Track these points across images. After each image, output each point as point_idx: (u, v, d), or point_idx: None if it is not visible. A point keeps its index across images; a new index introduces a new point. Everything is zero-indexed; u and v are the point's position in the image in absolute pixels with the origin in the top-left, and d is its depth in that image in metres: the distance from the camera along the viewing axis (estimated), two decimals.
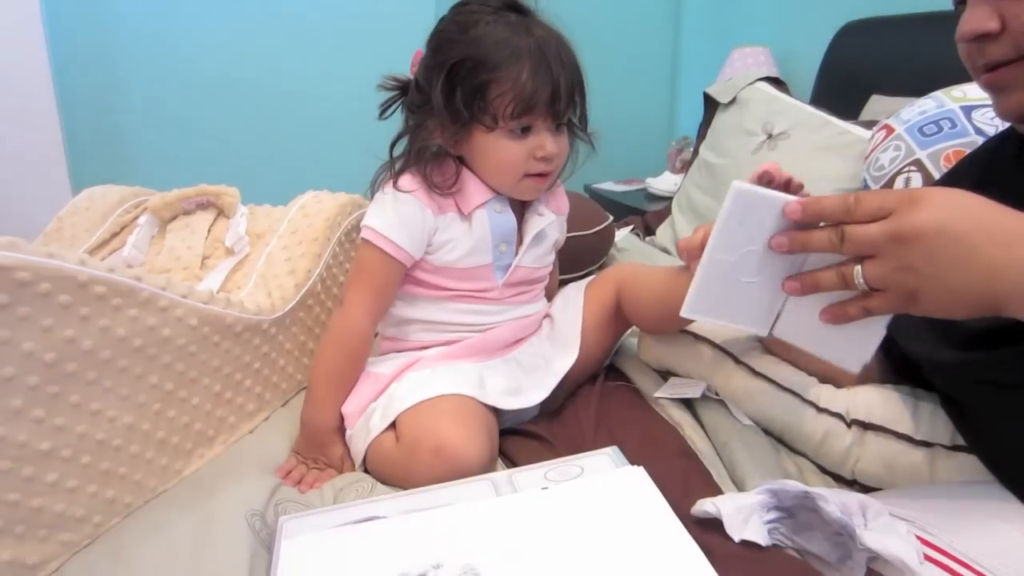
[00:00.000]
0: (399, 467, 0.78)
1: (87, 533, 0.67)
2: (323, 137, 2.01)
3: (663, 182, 2.44)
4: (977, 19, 0.59)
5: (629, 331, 1.04)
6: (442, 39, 0.87)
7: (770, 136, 1.52)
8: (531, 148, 0.85)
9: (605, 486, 0.67)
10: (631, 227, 1.76)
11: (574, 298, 0.96)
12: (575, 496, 0.67)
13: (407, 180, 0.88)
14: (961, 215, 0.51)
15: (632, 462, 0.71)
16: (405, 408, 0.80)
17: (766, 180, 0.73)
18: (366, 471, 0.84)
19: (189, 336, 0.77)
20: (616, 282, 0.94)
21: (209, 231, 1.12)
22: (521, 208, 0.94)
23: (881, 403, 0.78)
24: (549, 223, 0.94)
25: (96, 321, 0.67)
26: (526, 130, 0.85)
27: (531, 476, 0.72)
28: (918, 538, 0.58)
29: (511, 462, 0.82)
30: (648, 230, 1.80)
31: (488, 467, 0.78)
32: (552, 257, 1.00)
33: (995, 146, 0.75)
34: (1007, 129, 0.74)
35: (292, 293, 0.96)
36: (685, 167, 2.19)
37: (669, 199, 1.96)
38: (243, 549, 0.63)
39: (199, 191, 1.14)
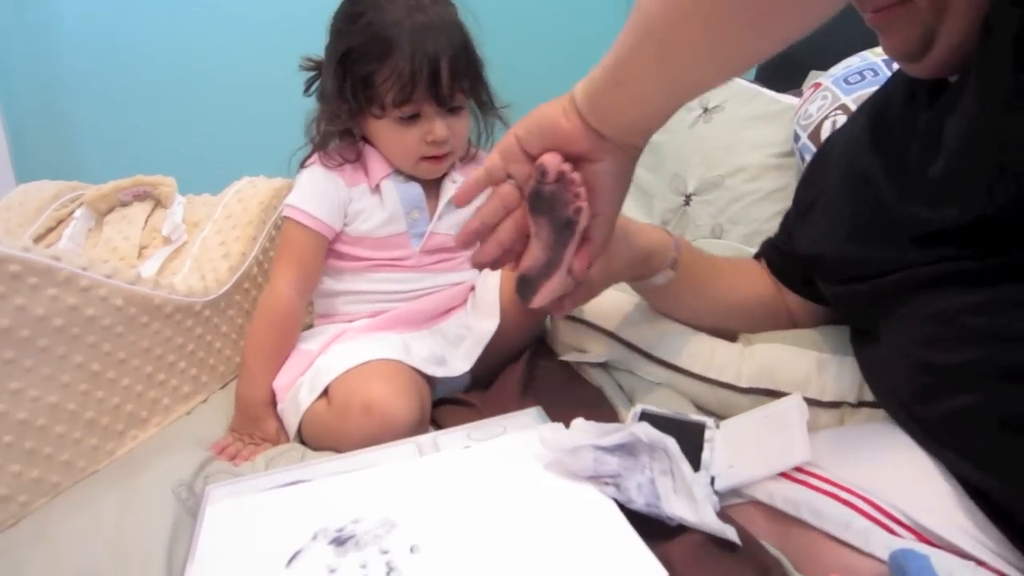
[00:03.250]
0: (331, 430, 0.80)
1: (12, 512, 0.68)
2: (264, 125, 2.01)
3: None
4: None
5: None
6: (334, 28, 0.91)
7: (706, 110, 1.55)
8: (421, 134, 0.88)
9: (525, 443, 0.69)
10: None
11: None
12: (496, 453, 0.69)
13: (318, 158, 0.93)
14: None
15: (556, 422, 0.72)
16: (332, 379, 0.81)
17: (540, 173, 0.60)
18: (302, 443, 0.85)
19: (115, 316, 0.78)
20: None
21: (147, 222, 1.12)
22: (437, 179, 0.97)
23: (783, 363, 0.80)
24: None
25: (11, 300, 0.67)
26: (415, 116, 0.88)
27: (455, 437, 0.74)
28: (811, 473, 0.62)
29: (438, 427, 0.84)
30: None
31: (419, 425, 0.80)
32: None
33: (889, 89, 0.76)
34: (899, 72, 0.76)
35: (227, 276, 0.97)
36: None
37: None
38: (167, 517, 0.64)
39: (135, 182, 1.14)
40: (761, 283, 0.90)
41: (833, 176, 0.78)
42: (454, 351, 0.91)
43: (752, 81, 1.66)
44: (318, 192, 0.90)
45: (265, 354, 0.88)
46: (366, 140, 0.94)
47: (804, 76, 1.93)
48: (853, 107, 1.16)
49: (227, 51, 2.14)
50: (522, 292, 0.65)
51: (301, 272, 0.90)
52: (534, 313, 0.95)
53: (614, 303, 0.92)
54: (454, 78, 0.87)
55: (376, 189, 0.92)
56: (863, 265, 0.69)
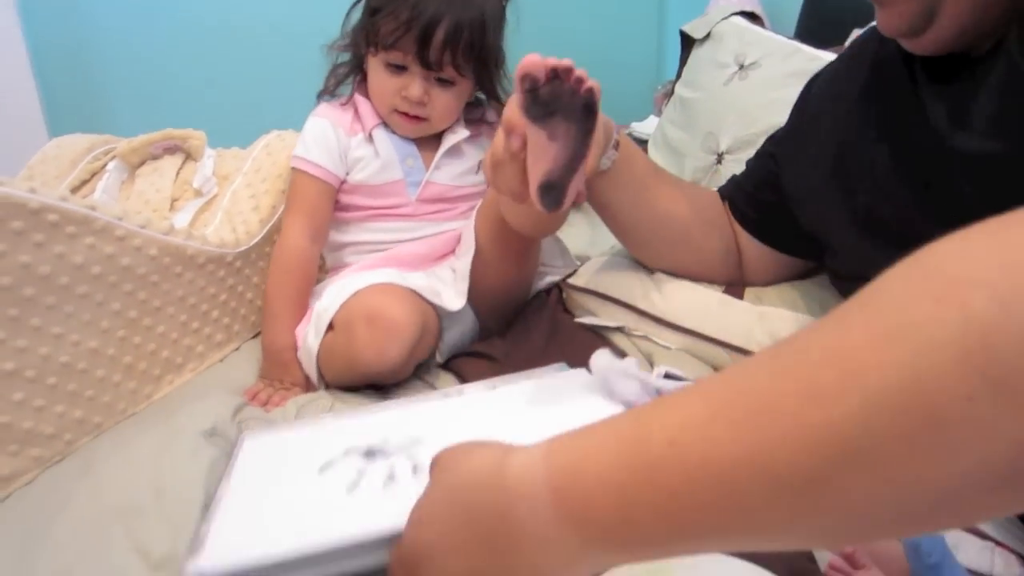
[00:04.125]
0: (343, 354, 0.82)
1: (58, 450, 0.71)
2: (292, 79, 2.01)
3: (648, 126, 2.43)
4: None
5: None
6: None
7: (742, 67, 1.52)
8: (399, 86, 0.90)
9: (552, 383, 0.70)
10: None
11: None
12: (522, 391, 0.70)
13: (321, 107, 0.97)
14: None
15: None
16: (332, 315, 0.84)
17: (528, 84, 0.58)
18: (327, 387, 0.87)
19: (150, 266, 0.80)
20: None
21: (177, 174, 1.14)
22: (439, 133, 0.98)
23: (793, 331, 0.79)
24: (464, 138, 0.97)
25: (51, 248, 0.69)
26: (401, 68, 0.89)
27: (480, 387, 0.75)
28: None
29: (462, 380, 0.85)
30: None
31: (425, 334, 0.83)
32: (478, 179, 1.00)
33: (877, 60, 0.68)
34: (864, 50, 0.71)
35: (257, 228, 0.98)
36: None
37: None
38: (203, 456, 0.66)
39: (165, 135, 1.15)
40: (713, 214, 0.86)
41: (826, 149, 0.72)
42: (448, 289, 0.91)
43: (791, 38, 1.63)
44: (320, 142, 0.93)
45: (284, 302, 0.91)
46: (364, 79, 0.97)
47: (846, 35, 1.89)
48: None
49: (256, 5, 2.14)
50: (549, 201, 0.63)
51: (310, 221, 0.93)
52: (512, 242, 0.91)
53: (620, 271, 0.92)
54: (446, 47, 0.86)
55: (370, 138, 0.95)
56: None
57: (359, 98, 0.96)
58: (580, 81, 0.59)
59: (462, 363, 0.88)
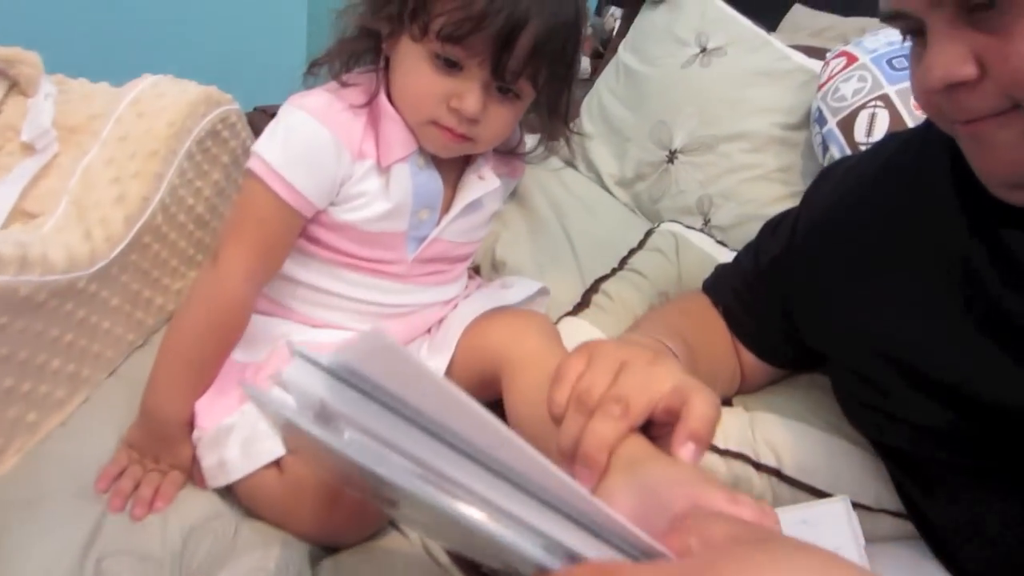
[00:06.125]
0: (280, 509, 0.62)
1: None
2: None
3: None
4: (947, 63, 0.44)
5: None
6: None
7: (704, 50, 1.35)
8: (449, 92, 0.63)
9: None
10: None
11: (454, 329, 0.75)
12: None
13: (320, 97, 0.66)
14: None
15: None
16: (275, 458, 0.61)
17: None
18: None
19: None
20: (496, 363, 0.70)
21: None
22: (460, 165, 0.72)
23: (792, 446, 0.71)
24: (491, 191, 0.73)
25: None
26: (455, 66, 0.62)
27: None
28: None
29: None
30: None
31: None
32: (485, 232, 0.79)
33: (928, 204, 0.59)
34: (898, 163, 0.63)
35: (121, 231, 0.71)
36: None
37: None
38: None
39: None
40: (722, 340, 0.77)
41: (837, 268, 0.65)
42: None
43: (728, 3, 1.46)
44: (310, 158, 0.64)
45: (193, 364, 0.64)
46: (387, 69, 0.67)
47: (785, 7, 1.78)
48: (897, 101, 1.00)
49: None
50: None
51: (263, 258, 0.65)
52: (491, 362, 0.71)
53: None
54: (532, 57, 0.62)
55: (385, 171, 0.67)
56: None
57: (383, 104, 0.66)
58: None
59: None
